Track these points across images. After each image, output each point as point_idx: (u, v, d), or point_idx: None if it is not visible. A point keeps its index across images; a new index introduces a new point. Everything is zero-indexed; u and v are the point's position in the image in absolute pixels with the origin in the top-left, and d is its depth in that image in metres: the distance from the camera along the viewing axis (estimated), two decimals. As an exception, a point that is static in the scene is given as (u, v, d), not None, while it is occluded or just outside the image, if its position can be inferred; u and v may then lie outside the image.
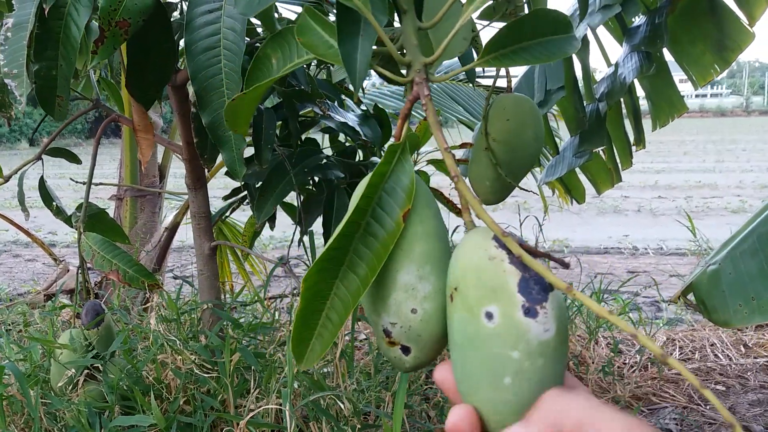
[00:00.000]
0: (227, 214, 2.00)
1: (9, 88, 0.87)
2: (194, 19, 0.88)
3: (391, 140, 0.60)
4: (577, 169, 2.48)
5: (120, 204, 3.04)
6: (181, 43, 1.02)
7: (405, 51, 0.58)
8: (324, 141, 1.87)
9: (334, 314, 0.50)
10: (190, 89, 1.44)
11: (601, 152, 2.49)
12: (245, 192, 1.90)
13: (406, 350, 0.51)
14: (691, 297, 1.44)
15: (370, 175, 0.56)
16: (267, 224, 1.83)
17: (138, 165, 2.93)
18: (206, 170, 1.53)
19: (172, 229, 3.02)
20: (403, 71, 0.61)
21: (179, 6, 1.24)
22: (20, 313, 2.33)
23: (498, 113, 1.06)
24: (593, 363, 2.25)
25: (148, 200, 3.03)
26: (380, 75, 1.57)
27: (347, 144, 1.78)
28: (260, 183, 1.77)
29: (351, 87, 1.76)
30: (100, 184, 1.81)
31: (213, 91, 0.87)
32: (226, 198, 1.94)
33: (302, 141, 1.73)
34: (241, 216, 2.63)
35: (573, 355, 2.28)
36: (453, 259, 0.49)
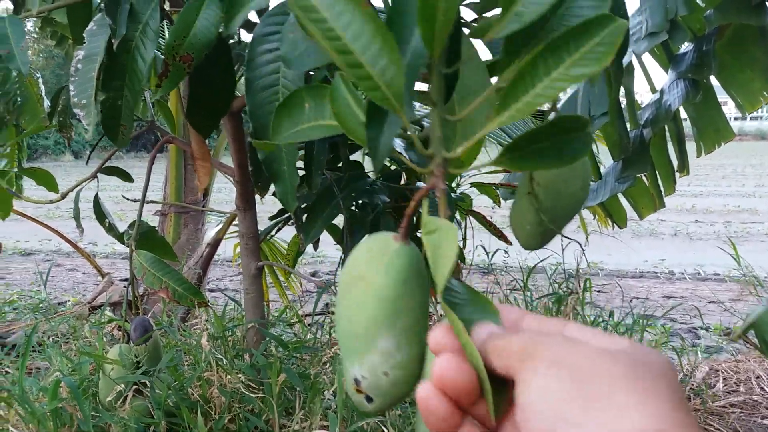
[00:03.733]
0: (273, 233, 2.04)
1: (77, 117, 0.91)
2: (255, 58, 0.92)
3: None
4: (619, 194, 2.46)
5: (164, 219, 3.11)
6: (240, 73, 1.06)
7: (429, 139, 0.60)
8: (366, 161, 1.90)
9: None
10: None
11: (643, 177, 2.47)
12: (291, 213, 1.94)
13: (369, 399, 0.55)
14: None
15: (368, 242, 0.59)
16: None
17: (183, 182, 3.01)
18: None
19: (214, 245, 3.08)
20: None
21: (238, 37, 1.28)
22: (71, 326, 2.39)
23: None
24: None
25: (191, 216, 3.10)
26: (400, 162, 1.58)
27: (392, 167, 1.80)
28: (306, 205, 1.80)
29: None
30: (151, 202, 1.86)
31: (270, 127, 0.90)
32: (272, 218, 1.97)
33: (348, 163, 1.76)
34: (283, 234, 2.68)
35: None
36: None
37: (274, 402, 1.32)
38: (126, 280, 5.88)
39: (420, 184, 1.55)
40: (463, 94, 0.70)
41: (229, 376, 1.43)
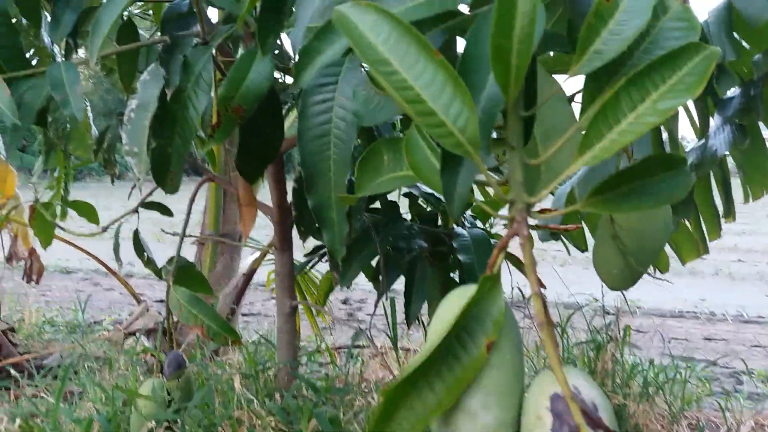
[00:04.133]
0: (307, 269, 2.04)
1: (130, 164, 0.93)
2: (308, 108, 0.93)
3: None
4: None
5: (201, 248, 3.15)
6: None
7: (509, 184, 0.58)
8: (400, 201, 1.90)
9: (407, 423, 0.51)
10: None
11: (686, 222, 2.40)
12: (325, 250, 1.94)
13: None
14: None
15: (457, 294, 0.57)
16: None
17: (221, 212, 3.05)
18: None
19: (249, 276, 3.10)
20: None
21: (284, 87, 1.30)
22: (107, 354, 2.42)
23: None
24: (675, 446, 2.12)
25: (227, 246, 3.14)
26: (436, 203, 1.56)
27: (429, 209, 1.79)
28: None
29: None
30: (190, 236, 1.88)
31: (321, 176, 0.91)
32: (307, 255, 1.98)
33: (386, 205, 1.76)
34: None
35: (653, 436, 2.16)
36: (524, 402, 0.50)
37: (304, 450, 1.31)
38: (161, 301, 5.96)
39: (458, 229, 1.54)
40: (545, 133, 0.68)
41: (259, 420, 1.41)
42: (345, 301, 7.02)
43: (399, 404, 0.50)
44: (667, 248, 2.56)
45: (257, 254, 3.19)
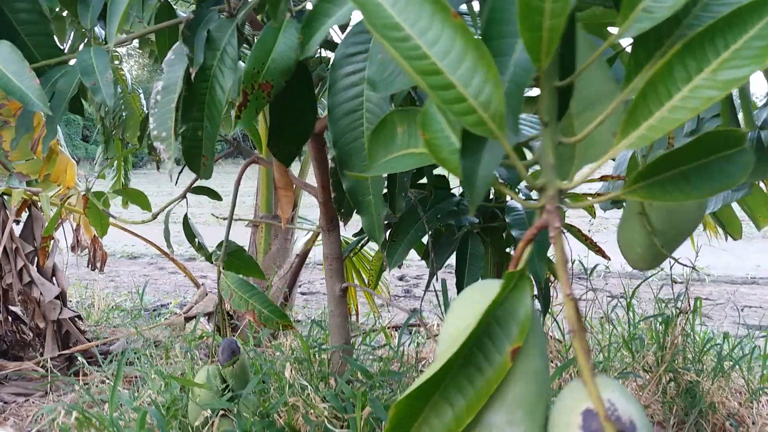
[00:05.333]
0: (357, 249, 2.00)
1: (158, 150, 0.89)
2: (337, 82, 0.86)
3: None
4: (733, 203, 2.24)
5: (256, 230, 3.16)
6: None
7: (540, 166, 0.49)
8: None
9: None
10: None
11: (761, 184, 2.23)
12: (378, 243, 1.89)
13: None
14: None
15: (476, 291, 0.49)
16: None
17: (272, 194, 3.04)
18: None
19: (303, 256, 3.10)
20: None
21: (320, 57, 1.23)
22: (157, 344, 2.47)
23: None
24: (754, 425, 1.99)
25: (281, 227, 3.14)
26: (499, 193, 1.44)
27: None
28: (387, 222, 1.74)
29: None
30: (239, 219, 1.87)
31: (354, 155, 0.85)
32: (356, 234, 1.93)
33: (432, 180, 1.69)
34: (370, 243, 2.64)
35: (730, 414, 2.03)
36: (550, 416, 0.44)
37: (359, 437, 1.27)
38: (221, 286, 6.03)
39: (512, 203, 1.45)
40: (582, 108, 0.58)
41: (313, 408, 1.39)
42: (401, 278, 7.01)
43: (412, 420, 0.44)
44: (741, 212, 2.39)
45: (310, 235, 3.19)
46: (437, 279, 1.47)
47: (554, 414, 0.44)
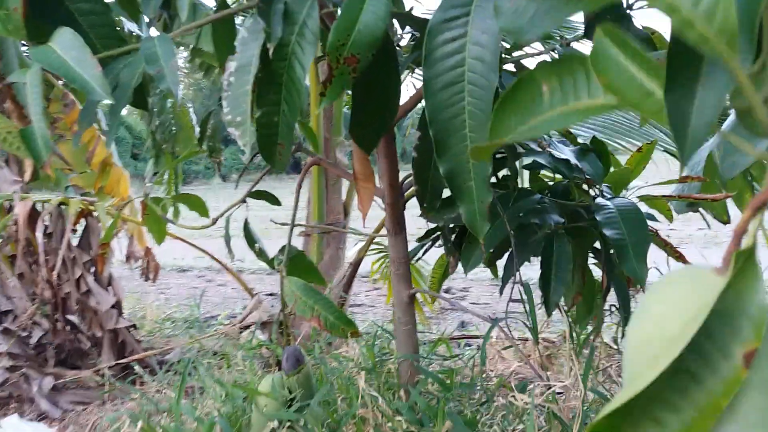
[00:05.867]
0: (420, 256, 1.90)
1: (232, 137, 0.82)
2: (434, 51, 0.76)
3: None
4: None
5: (308, 240, 3.11)
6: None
7: None
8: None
9: None
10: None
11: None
12: (438, 233, 1.80)
13: None
14: None
15: (679, 280, 0.38)
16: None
17: (324, 203, 2.98)
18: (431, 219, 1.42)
19: (356, 265, 3.02)
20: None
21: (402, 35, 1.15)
22: (223, 349, 2.42)
23: None
24: None
25: (333, 236, 3.07)
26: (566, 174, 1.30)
27: (553, 182, 1.59)
28: (454, 226, 1.65)
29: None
30: (299, 225, 1.80)
31: (454, 134, 0.75)
32: (419, 240, 1.84)
33: (498, 179, 1.59)
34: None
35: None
36: None
37: (441, 455, 1.17)
38: (272, 295, 6.07)
39: (601, 200, 1.34)
40: None
41: (386, 419, 1.29)
42: (447, 290, 6.86)
43: None
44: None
45: (362, 243, 3.11)
46: (513, 282, 1.36)
47: None
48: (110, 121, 0.94)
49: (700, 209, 2.18)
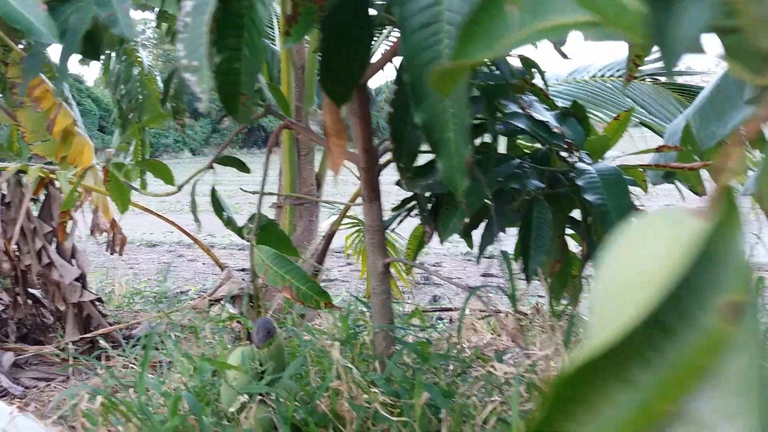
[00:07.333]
0: (394, 226, 1.85)
1: (188, 83, 0.74)
2: (407, -14, 0.69)
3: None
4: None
5: (280, 212, 3.04)
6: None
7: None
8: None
9: None
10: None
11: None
12: (414, 203, 1.75)
13: None
14: None
15: (653, 225, 0.33)
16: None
17: (297, 173, 2.91)
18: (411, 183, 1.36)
19: (329, 238, 2.97)
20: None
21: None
22: (192, 322, 2.35)
23: None
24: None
25: (306, 208, 3.01)
26: (548, 140, 1.25)
27: (531, 148, 1.55)
28: (431, 194, 1.60)
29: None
30: (269, 194, 1.73)
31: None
32: (395, 209, 1.79)
33: (475, 146, 1.54)
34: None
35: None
36: None
37: (417, 427, 1.13)
38: (244, 270, 5.99)
39: (581, 165, 1.30)
40: None
41: (361, 391, 1.25)
42: (474, 288, 6.81)
43: (576, 409, 0.28)
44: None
45: (335, 216, 3.05)
46: (491, 250, 1.32)
47: None
48: (60, 68, 0.86)
49: (676, 181, 2.17)
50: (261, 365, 1.42)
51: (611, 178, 1.17)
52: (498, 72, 1.21)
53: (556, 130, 1.31)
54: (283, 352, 1.48)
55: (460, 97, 0.68)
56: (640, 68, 2.88)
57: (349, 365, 1.28)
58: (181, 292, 5.38)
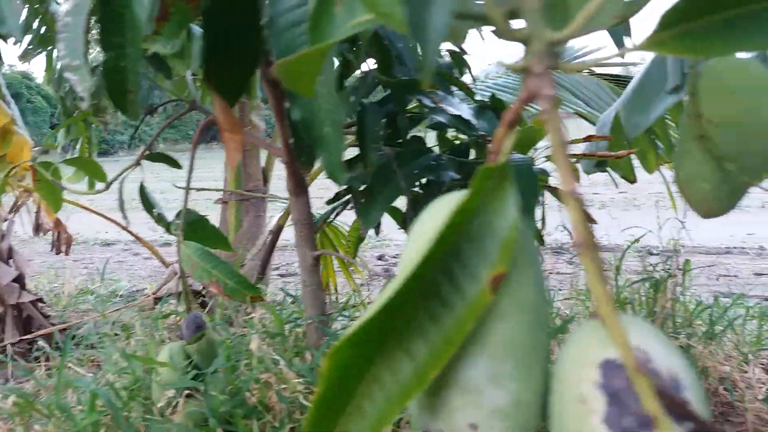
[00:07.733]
0: (331, 218, 1.88)
1: (70, 82, 0.75)
2: (276, -17, 0.70)
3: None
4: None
5: (225, 208, 3.03)
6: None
7: (523, 17, 0.36)
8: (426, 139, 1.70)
9: (371, 408, 0.31)
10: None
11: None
12: (349, 195, 1.77)
13: None
14: None
15: (447, 201, 0.36)
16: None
17: (241, 169, 2.90)
18: (306, 174, 1.39)
19: (276, 232, 2.97)
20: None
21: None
22: (124, 326, 2.34)
23: (715, 85, 0.71)
24: (749, 389, 1.92)
25: (252, 204, 3.00)
26: (468, 133, 1.30)
27: (457, 141, 1.59)
28: (364, 186, 1.62)
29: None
30: (202, 189, 1.74)
31: (305, 76, 0.70)
32: (329, 202, 1.81)
33: (407, 140, 1.57)
34: (346, 218, 2.53)
35: (723, 377, 1.96)
36: (554, 370, 0.31)
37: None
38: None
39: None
40: None
41: (285, 383, 1.27)
42: (380, 257, 6.86)
43: (355, 377, 0.31)
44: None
45: (284, 211, 3.06)
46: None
47: (560, 366, 0.31)
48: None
49: (608, 169, 2.25)
50: (190, 360, 1.43)
51: (523, 169, 1.22)
52: (406, 67, 1.24)
53: (474, 123, 1.35)
54: (215, 347, 1.49)
55: (332, 93, 0.70)
56: (576, 59, 2.95)
57: (276, 357, 1.30)
58: (137, 291, 5.30)
